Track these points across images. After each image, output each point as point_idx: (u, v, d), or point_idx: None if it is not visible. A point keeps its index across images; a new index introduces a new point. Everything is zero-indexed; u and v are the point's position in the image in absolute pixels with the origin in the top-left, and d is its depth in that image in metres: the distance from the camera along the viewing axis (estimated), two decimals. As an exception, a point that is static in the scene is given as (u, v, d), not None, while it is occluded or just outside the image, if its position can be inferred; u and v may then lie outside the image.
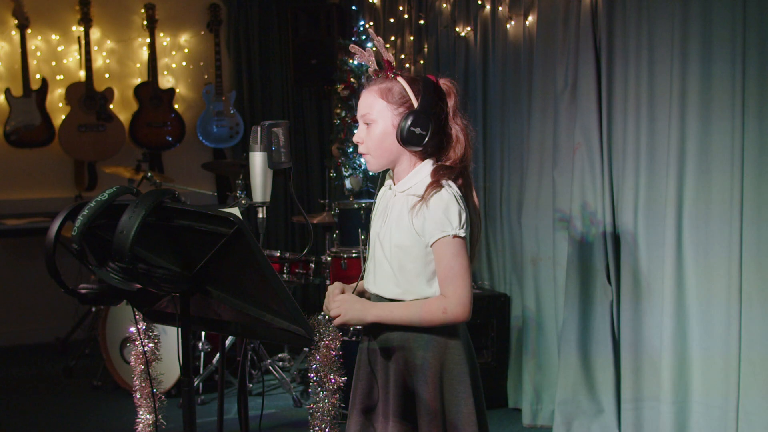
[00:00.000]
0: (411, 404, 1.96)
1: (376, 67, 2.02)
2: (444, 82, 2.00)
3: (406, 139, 1.92)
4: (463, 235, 1.88)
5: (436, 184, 1.91)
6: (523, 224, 3.87)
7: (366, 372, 2.05)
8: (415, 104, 1.94)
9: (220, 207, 2.67)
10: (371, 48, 2.09)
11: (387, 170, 2.08)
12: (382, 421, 1.98)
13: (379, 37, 2.07)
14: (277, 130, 2.17)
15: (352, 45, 2.13)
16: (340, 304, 1.97)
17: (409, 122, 1.91)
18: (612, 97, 3.33)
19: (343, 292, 2.06)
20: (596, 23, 3.38)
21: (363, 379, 2.05)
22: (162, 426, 2.50)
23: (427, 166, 1.97)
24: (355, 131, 2.06)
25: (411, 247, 1.93)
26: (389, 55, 2.00)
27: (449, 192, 1.90)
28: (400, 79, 1.97)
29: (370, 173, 4.68)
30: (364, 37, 4.75)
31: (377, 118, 1.97)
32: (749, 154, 2.75)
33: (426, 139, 1.92)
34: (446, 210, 1.88)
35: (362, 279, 2.12)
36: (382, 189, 2.11)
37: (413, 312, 1.92)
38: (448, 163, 1.96)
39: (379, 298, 2.01)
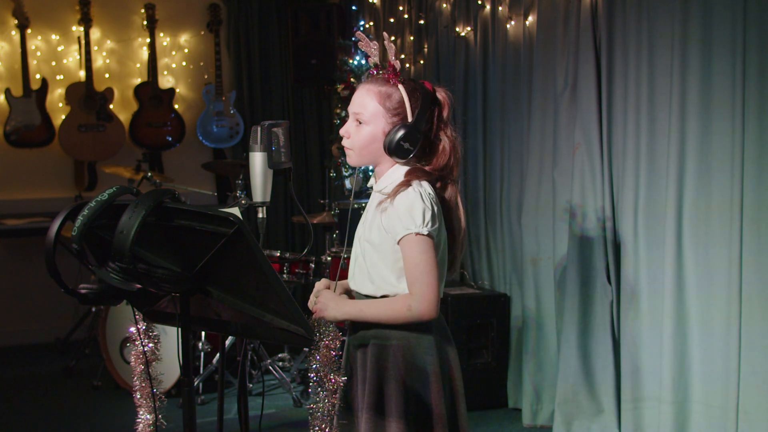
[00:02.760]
0: (384, 400, 1.97)
1: (377, 62, 2.02)
2: (440, 93, 2.01)
3: (393, 150, 1.95)
4: (426, 233, 1.88)
5: (404, 183, 1.93)
6: (523, 224, 3.87)
7: (347, 369, 2.08)
8: (410, 117, 1.95)
9: (220, 207, 2.67)
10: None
11: (364, 175, 2.11)
12: (359, 416, 2.01)
13: (391, 44, 2.07)
14: (277, 130, 2.17)
15: (358, 32, 2.14)
16: (320, 300, 2.01)
17: (399, 136, 1.93)
18: (612, 97, 3.33)
19: (329, 288, 2.10)
20: (596, 23, 3.37)
21: (346, 376, 2.08)
22: (162, 426, 2.50)
23: (405, 167, 1.99)
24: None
25: (380, 244, 1.95)
26: (396, 61, 2.00)
27: (416, 190, 1.91)
28: (401, 87, 1.97)
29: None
30: (364, 37, 4.74)
31: (369, 121, 1.97)
32: (749, 154, 2.75)
33: (411, 155, 1.95)
34: (410, 208, 1.89)
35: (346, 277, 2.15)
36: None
37: (380, 309, 1.95)
38: (427, 168, 1.98)
39: (358, 295, 2.05)
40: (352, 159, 2.04)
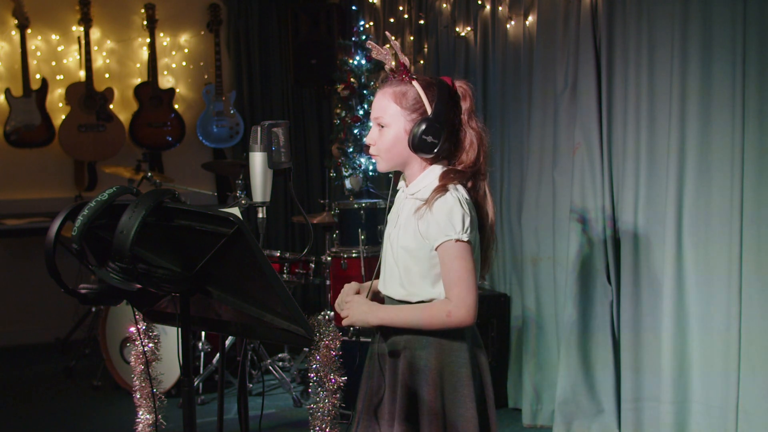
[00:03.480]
0: (416, 406, 1.96)
1: (392, 66, 2.01)
2: (460, 85, 1.99)
3: (417, 146, 1.93)
4: (466, 239, 1.87)
5: (441, 188, 1.91)
6: (523, 224, 3.87)
7: (375, 373, 2.05)
8: (429, 111, 1.93)
9: (220, 207, 2.67)
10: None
11: (400, 173, 2.08)
12: (388, 421, 1.98)
13: (396, 41, 2.06)
14: (277, 130, 2.16)
15: (368, 41, 2.13)
16: (350, 304, 1.98)
17: (421, 130, 1.91)
18: (612, 97, 3.33)
19: (358, 292, 2.07)
20: (596, 23, 3.38)
21: (372, 380, 2.06)
22: (162, 426, 2.50)
23: (437, 169, 1.97)
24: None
25: (416, 249, 1.93)
26: (405, 58, 1.98)
27: (454, 196, 1.89)
28: (415, 83, 1.95)
29: (370, 173, 4.68)
30: (364, 37, 4.74)
31: (390, 123, 1.96)
32: (749, 154, 2.75)
33: (437, 148, 1.93)
34: (450, 214, 1.87)
35: (376, 278, 2.12)
36: (399, 192, 2.10)
37: (417, 315, 1.93)
38: (459, 167, 1.96)
39: (390, 300, 2.02)
40: (381, 165, 2.02)
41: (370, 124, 2.04)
